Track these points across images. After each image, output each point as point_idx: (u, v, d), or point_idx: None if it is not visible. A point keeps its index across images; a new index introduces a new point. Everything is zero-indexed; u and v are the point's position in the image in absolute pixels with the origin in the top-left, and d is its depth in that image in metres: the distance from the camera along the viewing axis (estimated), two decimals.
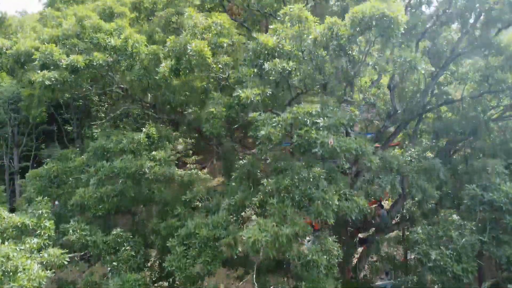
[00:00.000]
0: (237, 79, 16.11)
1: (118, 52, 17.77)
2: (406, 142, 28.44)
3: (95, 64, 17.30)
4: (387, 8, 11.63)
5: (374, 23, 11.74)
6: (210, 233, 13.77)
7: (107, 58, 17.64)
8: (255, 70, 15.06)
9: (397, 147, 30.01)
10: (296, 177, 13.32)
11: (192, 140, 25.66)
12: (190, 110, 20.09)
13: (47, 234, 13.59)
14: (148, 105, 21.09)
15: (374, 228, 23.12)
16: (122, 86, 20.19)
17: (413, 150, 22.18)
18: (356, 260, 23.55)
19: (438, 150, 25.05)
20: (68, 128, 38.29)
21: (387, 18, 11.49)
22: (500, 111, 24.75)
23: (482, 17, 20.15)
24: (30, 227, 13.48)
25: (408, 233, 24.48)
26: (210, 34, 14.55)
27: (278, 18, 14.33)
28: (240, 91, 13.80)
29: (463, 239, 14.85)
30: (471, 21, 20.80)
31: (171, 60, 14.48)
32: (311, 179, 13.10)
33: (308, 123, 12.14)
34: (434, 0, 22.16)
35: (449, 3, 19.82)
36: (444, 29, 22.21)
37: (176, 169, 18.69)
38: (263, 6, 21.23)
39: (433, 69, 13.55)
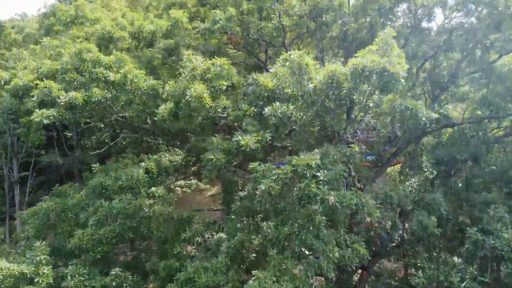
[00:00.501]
0: (236, 116, 16.04)
1: (117, 88, 17.64)
2: (406, 165, 28.45)
3: (93, 100, 17.19)
4: (388, 62, 11.50)
5: (374, 78, 11.62)
6: (210, 280, 13.67)
7: (105, 94, 17.51)
8: (255, 110, 14.96)
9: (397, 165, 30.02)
10: (296, 224, 13.25)
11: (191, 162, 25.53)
12: (189, 142, 19.99)
13: (45, 282, 13.50)
14: (147, 132, 20.98)
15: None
16: (121, 114, 20.06)
17: (413, 180, 22.13)
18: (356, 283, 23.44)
19: (438, 172, 25.02)
20: (68, 134, 38.23)
21: (387, 73, 11.37)
22: (501, 131, 24.73)
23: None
24: (28, 275, 13.38)
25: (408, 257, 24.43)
26: (209, 75, 14.42)
27: (279, 63, 14.18)
28: (240, 137, 13.70)
29: (464, 283, 14.76)
30: (471, 44, 20.73)
31: (170, 103, 14.37)
32: (311, 228, 13.03)
33: (308, 175, 12.02)
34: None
35: (449, 34, 19.69)
36: (445, 55, 22.17)
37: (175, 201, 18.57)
38: (263, 35, 21.14)
39: (434, 115, 13.41)
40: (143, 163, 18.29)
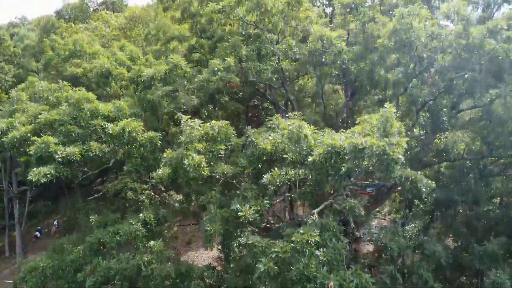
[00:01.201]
0: (235, 173, 15.94)
1: (115, 141, 17.52)
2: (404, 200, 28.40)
3: (91, 155, 17.08)
4: (388, 144, 11.38)
5: (374, 160, 11.52)
6: None
7: (103, 148, 17.40)
8: (253, 170, 14.88)
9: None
10: None
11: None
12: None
13: None
14: (146, 180, 20.90)
15: None
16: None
17: (413, 224, 22.04)
18: None
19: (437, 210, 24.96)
20: None
21: (387, 156, 11.26)
22: (502, 164, 24.67)
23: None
24: None
25: None
26: (206, 143, 14.33)
27: (277, 130, 14.10)
28: (238, 205, 13.60)
29: None
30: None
31: (168, 169, 14.26)
32: None
33: (307, 253, 11.91)
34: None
35: (450, 82, 19.58)
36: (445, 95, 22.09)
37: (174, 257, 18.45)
38: (262, 78, 21.04)
39: (433, 185, 13.30)
40: (141, 215, 18.15)
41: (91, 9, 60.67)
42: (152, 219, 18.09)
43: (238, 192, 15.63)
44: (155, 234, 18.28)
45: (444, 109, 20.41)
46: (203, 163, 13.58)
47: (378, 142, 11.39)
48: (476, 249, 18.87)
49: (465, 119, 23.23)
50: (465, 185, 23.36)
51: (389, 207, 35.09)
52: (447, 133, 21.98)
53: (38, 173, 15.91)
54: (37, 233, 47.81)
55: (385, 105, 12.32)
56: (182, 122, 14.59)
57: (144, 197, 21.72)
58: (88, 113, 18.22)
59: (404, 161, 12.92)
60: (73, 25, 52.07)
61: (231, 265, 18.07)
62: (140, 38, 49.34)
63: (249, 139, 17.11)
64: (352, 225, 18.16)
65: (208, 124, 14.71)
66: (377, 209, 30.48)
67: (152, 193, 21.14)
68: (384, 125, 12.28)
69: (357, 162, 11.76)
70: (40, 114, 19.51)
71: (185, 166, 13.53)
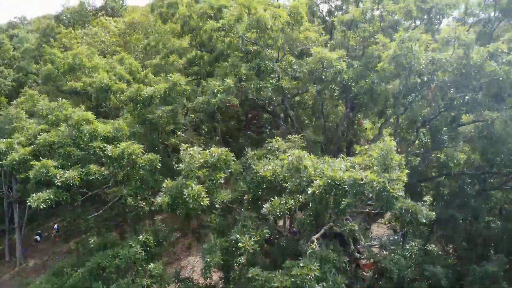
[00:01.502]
0: (234, 198, 15.93)
1: (115, 163, 17.48)
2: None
3: (91, 178, 17.05)
4: (388, 180, 11.34)
5: (374, 196, 11.48)
6: None
7: (103, 171, 17.38)
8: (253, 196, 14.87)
9: None
10: None
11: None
12: None
13: None
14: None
15: None
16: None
17: (413, 244, 22.00)
18: None
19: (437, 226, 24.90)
20: None
21: (387, 193, 11.22)
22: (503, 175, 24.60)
23: None
24: None
25: None
26: (205, 169, 14.29)
27: (275, 163, 14.06)
28: (238, 235, 13.58)
29: None
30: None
31: (167, 198, 14.23)
32: None
33: None
34: None
35: (450, 100, 19.53)
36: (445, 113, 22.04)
37: None
38: (261, 96, 20.96)
39: (433, 216, 13.27)
40: (140, 236, 18.11)
41: (91, 14, 60.51)
42: (151, 241, 18.07)
43: (238, 217, 15.62)
44: (155, 256, 18.28)
45: (445, 128, 20.35)
46: (203, 193, 13.55)
47: (378, 178, 11.34)
48: (476, 270, 18.86)
49: (465, 134, 23.16)
50: (465, 198, 23.33)
51: (389, 214, 35.05)
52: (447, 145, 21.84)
53: (38, 199, 15.90)
54: (37, 237, 48.49)
55: (385, 138, 12.27)
56: (181, 150, 14.55)
57: (144, 203, 21.58)
58: (87, 134, 18.17)
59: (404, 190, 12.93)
60: (72, 31, 51.97)
61: (231, 286, 18.05)
62: (139, 43, 49.38)
63: (249, 161, 17.09)
64: (352, 247, 18.16)
65: (207, 151, 14.66)
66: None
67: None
68: (384, 158, 12.24)
69: (357, 197, 11.71)
70: (39, 134, 19.49)
71: (185, 196, 13.50)
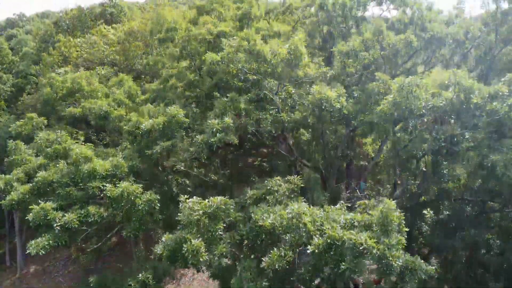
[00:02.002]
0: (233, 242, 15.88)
1: (113, 205, 17.46)
2: None
3: (90, 221, 17.05)
4: (388, 246, 11.30)
5: (374, 261, 11.46)
6: None
7: (102, 212, 17.36)
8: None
9: None
10: None
11: None
12: None
13: None
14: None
15: None
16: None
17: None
18: None
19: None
20: None
21: (386, 261, 11.18)
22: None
23: None
24: None
25: None
26: (205, 219, 14.25)
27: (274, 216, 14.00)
28: None
29: None
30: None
31: (167, 251, 14.21)
32: None
33: None
34: None
35: (451, 137, 19.43)
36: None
37: None
38: (261, 128, 20.90)
39: (433, 271, 13.26)
40: (140, 275, 18.12)
41: (89, 19, 60.09)
42: (151, 279, 18.10)
43: (237, 263, 15.62)
44: None
45: (445, 162, 20.23)
46: (202, 248, 13.52)
47: (378, 246, 11.31)
48: None
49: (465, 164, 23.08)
50: (464, 224, 23.31)
51: None
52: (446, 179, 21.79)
53: (37, 246, 15.92)
54: None
55: (384, 201, 12.22)
56: (180, 202, 14.50)
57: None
58: (86, 173, 18.13)
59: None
60: (71, 39, 51.74)
61: None
62: (139, 50, 49.19)
63: (248, 201, 17.07)
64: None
65: (207, 201, 14.61)
66: None
67: None
68: (384, 219, 12.21)
69: (357, 262, 11.69)
70: (38, 170, 19.49)
71: (184, 251, 13.48)
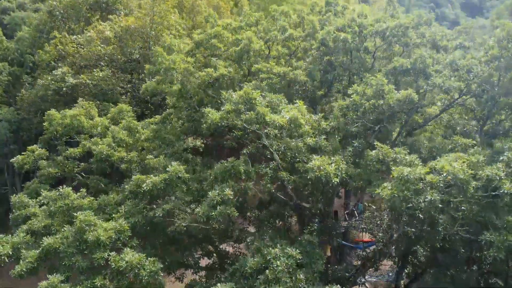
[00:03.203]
0: None
1: (119, 276, 18.13)
2: None
3: None
4: None
5: None
6: None
7: (108, 285, 18.06)
8: None
9: None
10: None
11: None
12: None
13: None
14: None
15: None
16: None
17: None
18: None
19: None
20: None
21: None
22: None
23: None
24: None
25: None
26: None
27: None
28: None
29: None
30: None
31: None
32: None
33: None
34: None
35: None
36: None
37: None
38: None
39: None
40: None
41: (85, 9, 58.26)
42: None
43: None
44: None
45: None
46: None
47: None
48: None
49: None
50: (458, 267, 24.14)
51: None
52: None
53: None
54: None
55: None
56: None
57: None
58: (90, 243, 18.65)
59: None
60: (67, 35, 50.72)
61: None
62: (135, 44, 48.51)
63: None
64: None
65: None
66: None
67: None
68: None
69: None
70: (43, 230, 20.11)
71: None
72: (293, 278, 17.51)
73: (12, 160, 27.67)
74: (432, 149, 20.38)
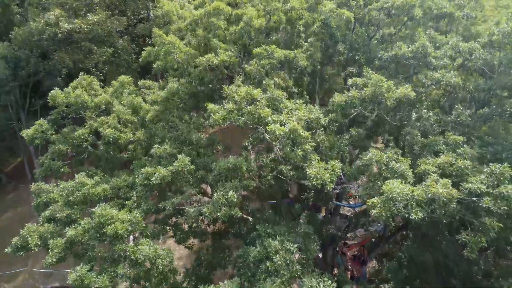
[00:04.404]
0: None
1: (137, 266, 20.65)
2: None
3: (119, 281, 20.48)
4: None
5: None
6: None
7: (129, 274, 20.65)
8: None
9: None
10: None
11: None
12: None
13: None
14: None
15: None
16: None
17: None
18: None
19: None
20: None
21: None
22: None
23: None
24: None
25: None
26: None
27: None
28: None
29: None
30: None
31: None
32: None
33: None
34: None
35: None
36: None
37: None
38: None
39: None
40: None
41: None
42: None
43: None
44: None
45: None
46: None
47: None
48: None
49: None
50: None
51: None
52: None
53: None
54: None
55: None
56: None
57: None
58: (110, 235, 20.78)
59: None
60: None
61: None
62: None
63: None
64: None
65: None
66: None
67: None
68: None
69: None
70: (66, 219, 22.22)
71: None
72: (290, 269, 20.03)
73: (22, 132, 28.71)
74: (425, 146, 21.43)
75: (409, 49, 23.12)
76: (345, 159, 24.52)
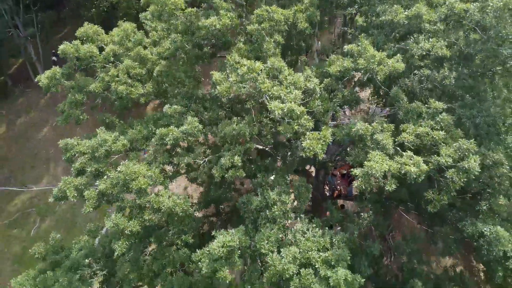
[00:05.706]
0: None
1: (157, 212, 25.11)
2: None
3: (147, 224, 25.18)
4: None
5: None
6: None
7: (155, 219, 25.22)
8: None
9: None
10: None
11: None
12: None
13: None
14: None
15: None
16: None
17: None
18: None
19: None
20: None
21: None
22: None
23: None
24: None
25: None
26: None
27: None
28: None
29: None
30: None
31: None
32: None
33: None
34: None
35: None
36: None
37: None
38: None
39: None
40: None
41: None
42: None
43: None
44: None
45: None
46: None
47: None
48: None
49: None
50: None
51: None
52: None
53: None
54: (54, 58, 58.98)
55: None
56: None
57: None
58: (135, 190, 24.74)
59: None
60: None
61: None
62: None
63: None
64: None
65: None
66: None
67: None
68: None
69: None
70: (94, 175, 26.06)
71: None
72: (286, 216, 24.58)
73: (37, 78, 30.67)
74: (409, 112, 23.94)
75: (405, 14, 24.02)
76: (337, 118, 27.22)
